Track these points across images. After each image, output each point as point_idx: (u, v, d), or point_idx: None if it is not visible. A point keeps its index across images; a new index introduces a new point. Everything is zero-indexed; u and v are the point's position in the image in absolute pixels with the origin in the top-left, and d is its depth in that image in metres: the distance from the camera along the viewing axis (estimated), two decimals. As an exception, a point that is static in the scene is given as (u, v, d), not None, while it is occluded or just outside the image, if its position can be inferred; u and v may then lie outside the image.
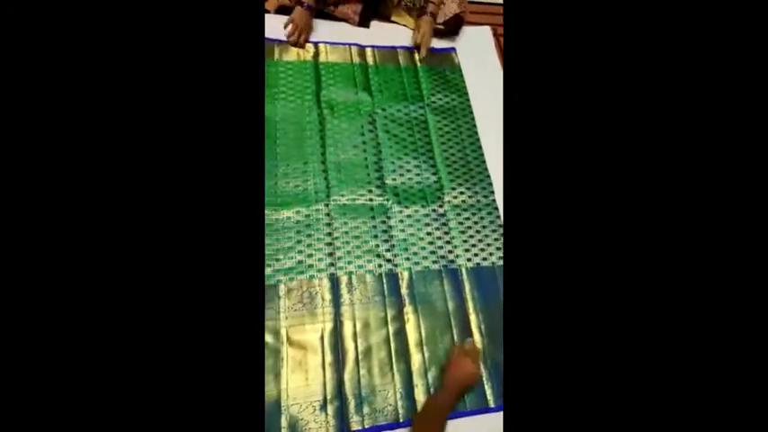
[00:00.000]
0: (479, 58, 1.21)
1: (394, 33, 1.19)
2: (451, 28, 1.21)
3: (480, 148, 1.05)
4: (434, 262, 0.89)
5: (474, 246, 0.92)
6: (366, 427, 0.71)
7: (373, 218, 0.91)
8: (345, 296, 0.82)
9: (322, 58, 1.11)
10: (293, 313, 0.79)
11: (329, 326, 0.79)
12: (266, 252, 0.83)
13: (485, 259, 0.91)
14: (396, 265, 0.87)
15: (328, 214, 0.89)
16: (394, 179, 0.97)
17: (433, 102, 1.11)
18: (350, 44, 1.14)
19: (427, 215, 0.94)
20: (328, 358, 0.76)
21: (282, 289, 0.80)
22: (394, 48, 1.17)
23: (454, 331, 0.82)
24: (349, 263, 0.85)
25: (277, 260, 0.83)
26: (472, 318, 0.84)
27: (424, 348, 0.80)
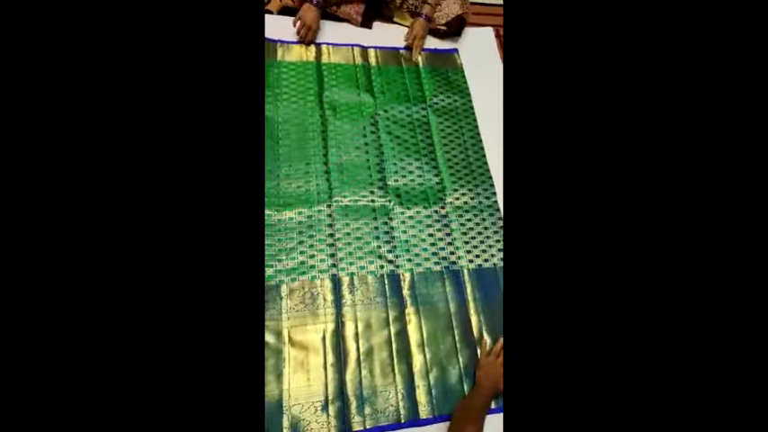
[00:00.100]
0: (482, 60, 1.21)
1: (396, 34, 1.19)
2: (453, 29, 1.21)
3: (482, 149, 1.05)
4: (436, 263, 0.89)
5: (476, 247, 0.92)
6: (368, 427, 0.72)
7: (375, 219, 0.91)
8: (347, 297, 0.82)
9: (324, 59, 1.11)
10: (295, 314, 0.79)
11: (331, 326, 0.79)
12: (268, 253, 0.83)
13: (487, 260, 0.91)
14: (397, 266, 0.87)
15: (330, 215, 0.90)
16: (396, 180, 0.97)
17: (436, 103, 1.11)
18: (352, 45, 1.14)
19: (429, 216, 0.94)
20: (330, 359, 0.76)
21: (284, 289, 0.81)
22: (396, 49, 1.17)
23: (456, 332, 0.82)
24: (351, 264, 0.85)
25: (279, 261, 0.83)
26: (474, 319, 0.84)
27: (426, 349, 0.80)
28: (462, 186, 0.99)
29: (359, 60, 1.13)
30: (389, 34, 1.19)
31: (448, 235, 0.92)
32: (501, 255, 0.92)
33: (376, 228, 0.90)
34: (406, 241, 0.90)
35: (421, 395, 0.75)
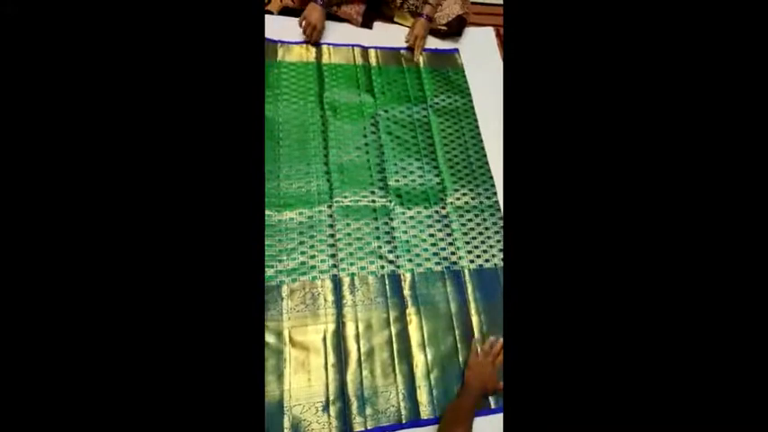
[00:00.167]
0: (482, 60, 1.21)
1: (397, 34, 1.19)
2: (454, 29, 1.21)
3: (483, 149, 1.05)
4: (437, 263, 0.89)
5: (476, 247, 0.92)
6: (369, 428, 0.72)
7: (376, 219, 0.91)
8: (348, 297, 0.82)
9: (325, 59, 1.11)
10: (296, 314, 0.79)
11: (332, 327, 0.79)
12: (269, 253, 0.83)
13: (487, 261, 0.91)
14: (398, 267, 0.87)
15: (331, 216, 0.90)
16: (397, 180, 0.97)
17: (436, 103, 1.11)
18: (353, 45, 1.14)
19: (430, 216, 0.94)
20: (331, 359, 0.76)
21: (285, 290, 0.81)
22: (397, 49, 1.17)
23: (457, 332, 0.82)
24: (351, 264, 0.85)
25: (280, 261, 0.83)
26: (474, 319, 0.84)
27: (427, 349, 0.80)
28: (463, 186, 0.99)
29: (359, 60, 1.13)
30: (390, 34, 1.19)
31: (449, 235, 0.92)
32: (502, 255, 0.92)
33: (377, 228, 0.90)
34: (407, 241, 0.90)
35: (422, 395, 0.75)
